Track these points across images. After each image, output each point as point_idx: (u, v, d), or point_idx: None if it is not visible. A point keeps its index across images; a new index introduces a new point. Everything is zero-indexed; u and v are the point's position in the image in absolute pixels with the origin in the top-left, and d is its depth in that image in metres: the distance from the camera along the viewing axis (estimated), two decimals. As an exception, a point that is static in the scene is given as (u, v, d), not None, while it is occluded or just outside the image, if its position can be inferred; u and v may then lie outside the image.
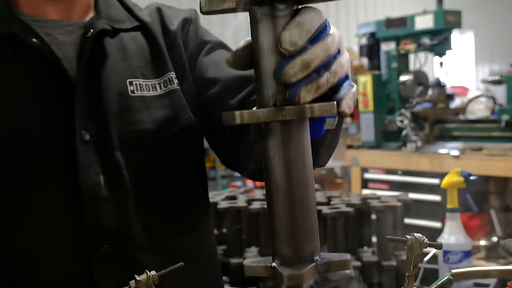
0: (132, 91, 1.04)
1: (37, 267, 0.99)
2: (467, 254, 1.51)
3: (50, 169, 0.99)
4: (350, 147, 4.28)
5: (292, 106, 0.62)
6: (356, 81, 6.06)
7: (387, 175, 3.89)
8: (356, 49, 5.09)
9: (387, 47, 4.09)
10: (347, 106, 0.68)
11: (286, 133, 0.64)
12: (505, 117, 3.40)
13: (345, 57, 0.70)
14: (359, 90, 4.11)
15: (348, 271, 0.67)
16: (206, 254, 1.17)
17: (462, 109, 4.20)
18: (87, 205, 0.98)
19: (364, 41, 4.29)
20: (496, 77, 3.68)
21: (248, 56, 0.65)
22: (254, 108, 0.64)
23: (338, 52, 0.68)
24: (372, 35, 4.21)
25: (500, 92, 4.80)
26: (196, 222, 1.14)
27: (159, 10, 1.16)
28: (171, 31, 1.13)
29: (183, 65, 1.12)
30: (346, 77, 0.70)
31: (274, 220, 0.66)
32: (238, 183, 6.35)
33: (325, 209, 1.54)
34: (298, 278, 0.63)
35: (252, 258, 0.69)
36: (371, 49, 4.25)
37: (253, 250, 1.65)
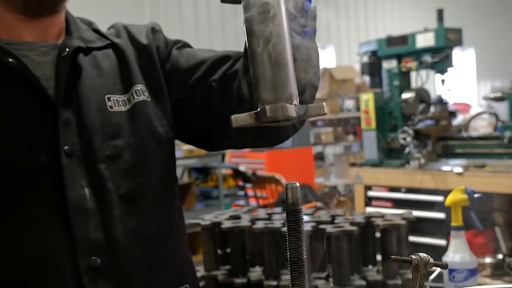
0: (111, 107, 1.10)
1: (28, 281, 1.00)
2: (473, 272, 1.50)
3: (37, 184, 1.01)
4: (353, 165, 4.27)
5: None
6: (358, 99, 6.08)
7: (391, 192, 3.88)
8: (357, 67, 5.12)
9: (388, 65, 4.10)
10: None
11: None
12: (508, 134, 3.39)
13: None
14: (362, 108, 4.11)
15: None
16: (185, 258, 1.22)
17: (465, 126, 4.21)
18: (74, 218, 1.01)
19: (365, 59, 4.31)
20: (498, 94, 3.67)
21: None
22: None
23: None
24: (373, 53, 4.23)
25: (502, 108, 4.80)
26: (176, 227, 1.19)
27: (126, 28, 1.23)
28: (142, 45, 1.20)
29: (156, 75, 1.18)
30: None
31: (256, 70, 0.73)
32: (241, 202, 6.34)
33: (329, 228, 1.53)
34: (279, 109, 0.70)
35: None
36: (373, 67, 4.26)
37: (257, 269, 1.65)
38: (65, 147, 1.02)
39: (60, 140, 1.02)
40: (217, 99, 1.16)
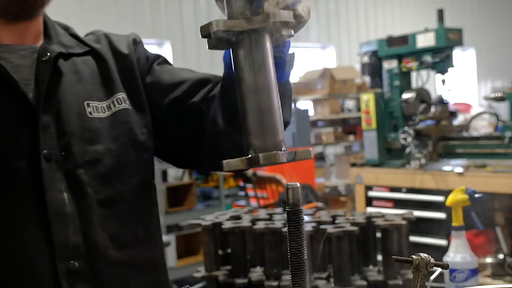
0: (90, 113, 1.11)
1: (7, 284, 1.01)
2: (474, 272, 1.50)
3: (17, 188, 1.02)
4: (353, 165, 4.27)
5: (259, 15, 0.76)
6: (358, 99, 6.08)
7: (391, 192, 3.88)
8: (358, 67, 5.11)
9: (389, 65, 4.10)
10: (301, 11, 0.81)
11: (254, 41, 0.77)
12: (508, 134, 3.39)
13: None
14: (362, 108, 4.11)
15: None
16: (161, 265, 1.23)
17: (465, 126, 4.20)
18: (54, 222, 1.02)
19: (366, 59, 4.31)
20: (499, 94, 3.67)
21: None
22: (221, 20, 0.76)
23: None
24: (374, 54, 4.22)
25: (503, 108, 4.80)
26: (152, 234, 1.20)
27: (106, 36, 1.24)
28: (123, 54, 1.21)
29: (136, 85, 1.19)
30: (297, 1, 0.83)
31: (246, 119, 0.78)
32: (242, 202, 6.34)
33: (329, 228, 1.53)
34: (272, 157, 0.75)
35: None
36: (373, 68, 4.26)
37: (258, 270, 1.65)
38: (45, 151, 1.03)
39: (40, 145, 1.03)
40: (193, 121, 1.18)
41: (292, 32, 0.82)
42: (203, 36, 0.78)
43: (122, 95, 1.16)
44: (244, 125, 0.79)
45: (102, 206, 1.08)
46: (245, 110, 0.79)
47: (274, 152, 0.76)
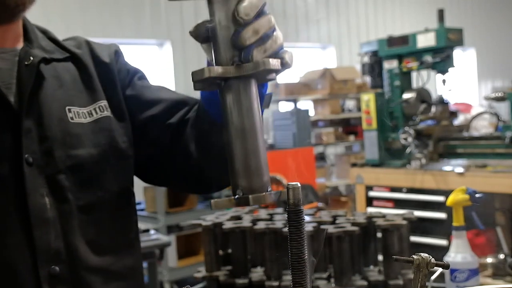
0: (72, 118, 1.11)
1: None
2: (474, 272, 1.50)
3: (0, 192, 1.02)
4: (354, 165, 4.27)
5: (249, 63, 0.79)
6: (359, 99, 6.08)
7: (392, 193, 3.88)
8: (358, 67, 5.11)
9: (389, 65, 4.10)
10: (288, 59, 0.85)
11: (242, 86, 0.81)
12: (509, 134, 3.39)
13: (279, 33, 0.86)
14: (363, 109, 4.11)
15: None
16: (140, 272, 1.23)
17: (466, 126, 4.20)
18: (36, 227, 1.02)
19: (366, 59, 4.31)
20: (499, 94, 3.67)
21: (206, 29, 0.82)
22: (215, 67, 0.79)
23: (274, 29, 0.85)
24: (374, 54, 4.22)
25: (503, 108, 4.80)
26: (131, 242, 1.21)
27: (88, 43, 1.24)
28: (104, 63, 1.21)
29: (117, 94, 1.20)
30: (282, 48, 0.86)
31: (234, 160, 0.82)
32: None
33: (330, 228, 1.53)
34: (262, 198, 0.80)
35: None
36: (374, 68, 4.26)
37: (259, 270, 1.65)
38: (26, 155, 1.03)
39: (22, 149, 1.03)
40: (168, 141, 1.19)
41: (275, 76, 0.87)
42: (195, 81, 0.81)
43: (104, 102, 1.17)
44: (232, 166, 0.82)
45: (82, 212, 1.09)
46: (233, 152, 0.82)
47: (264, 194, 0.80)
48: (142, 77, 1.27)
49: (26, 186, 1.02)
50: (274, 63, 0.80)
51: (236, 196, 0.81)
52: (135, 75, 1.26)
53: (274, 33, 0.84)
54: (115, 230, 1.15)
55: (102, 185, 1.13)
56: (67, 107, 1.11)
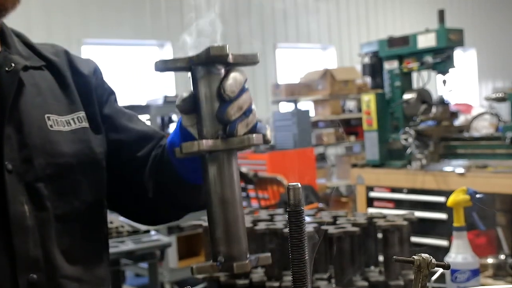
0: (51, 126, 1.11)
1: None
2: (475, 273, 1.50)
3: None
4: (354, 165, 4.26)
5: (235, 137, 0.85)
6: (359, 100, 6.07)
7: (393, 193, 3.88)
8: (359, 68, 5.11)
9: (390, 65, 4.10)
10: (269, 135, 0.90)
11: (226, 159, 0.86)
12: (509, 134, 3.39)
13: (254, 106, 0.92)
14: (363, 109, 4.11)
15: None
16: (108, 283, 1.23)
17: (466, 127, 4.20)
18: (15, 234, 1.03)
19: (367, 60, 4.31)
20: (500, 94, 3.67)
21: (192, 102, 0.87)
22: (204, 141, 0.84)
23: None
24: (374, 54, 4.22)
25: (504, 109, 4.80)
26: (102, 252, 1.22)
27: (67, 53, 1.24)
28: (83, 75, 1.21)
29: (93, 107, 1.20)
30: (257, 121, 0.93)
31: (215, 228, 0.86)
32: (243, 203, 6.33)
33: (331, 229, 1.53)
34: (245, 266, 0.85)
35: (198, 263, 0.88)
36: (374, 68, 4.26)
37: (259, 271, 1.65)
38: (6, 162, 1.03)
39: (3, 156, 1.03)
40: (130, 171, 1.21)
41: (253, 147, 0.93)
42: (185, 154, 0.85)
43: (82, 113, 1.17)
44: (213, 233, 0.87)
45: (58, 221, 1.09)
46: (215, 220, 0.86)
47: (246, 262, 0.86)
48: (117, 100, 1.29)
49: (6, 194, 1.02)
50: (259, 139, 0.86)
51: (219, 263, 0.86)
52: (111, 95, 1.27)
53: (253, 107, 0.90)
54: (86, 241, 1.15)
55: (78, 195, 1.13)
56: (46, 115, 1.11)
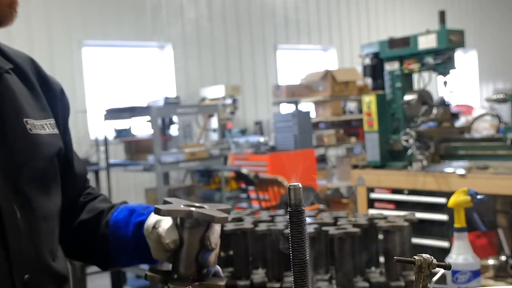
0: (30, 129, 1.12)
1: None
2: (476, 274, 1.50)
3: None
4: (355, 167, 4.26)
5: (213, 283, 1.03)
6: (360, 101, 6.08)
7: (393, 194, 3.87)
8: (359, 69, 5.11)
9: (390, 67, 4.10)
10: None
11: None
12: (510, 135, 3.39)
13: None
14: (364, 110, 4.11)
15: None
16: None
17: (467, 128, 4.20)
18: (10, 236, 1.04)
19: (367, 61, 4.31)
20: (501, 96, 3.67)
21: (176, 248, 1.02)
22: None
23: None
24: (375, 55, 4.22)
25: (505, 110, 4.80)
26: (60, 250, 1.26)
27: (32, 61, 1.23)
28: (50, 86, 1.23)
29: (58, 119, 1.22)
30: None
31: None
32: (244, 204, 6.34)
33: (332, 230, 1.53)
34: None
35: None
36: (375, 69, 4.26)
37: (260, 271, 1.65)
38: None
39: None
40: (67, 214, 1.24)
41: None
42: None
43: (53, 120, 1.19)
44: None
45: (42, 221, 1.12)
46: None
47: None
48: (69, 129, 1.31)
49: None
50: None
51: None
52: (68, 122, 1.28)
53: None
54: (57, 239, 1.20)
55: (54, 197, 1.17)
56: (24, 119, 1.12)
